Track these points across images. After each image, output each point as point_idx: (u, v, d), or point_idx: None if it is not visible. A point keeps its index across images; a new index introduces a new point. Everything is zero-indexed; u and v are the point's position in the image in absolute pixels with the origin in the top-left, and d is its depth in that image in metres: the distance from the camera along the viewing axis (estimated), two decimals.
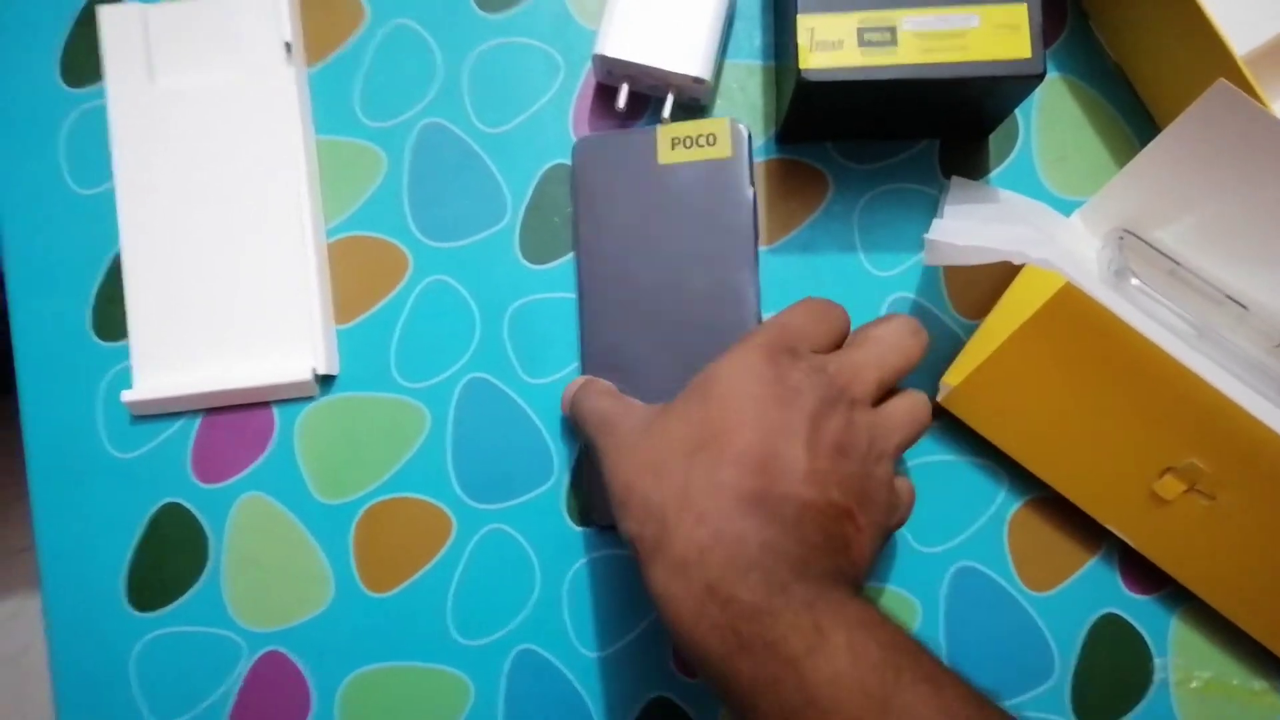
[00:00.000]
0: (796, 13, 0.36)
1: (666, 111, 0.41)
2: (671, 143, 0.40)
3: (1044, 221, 0.40)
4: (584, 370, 0.40)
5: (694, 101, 0.43)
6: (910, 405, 0.35)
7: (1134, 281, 0.37)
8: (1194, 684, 0.40)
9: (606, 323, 0.40)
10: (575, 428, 0.38)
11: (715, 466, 0.30)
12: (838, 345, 0.35)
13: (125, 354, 0.42)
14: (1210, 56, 0.37)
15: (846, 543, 0.31)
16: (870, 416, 0.33)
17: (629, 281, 0.40)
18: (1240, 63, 0.36)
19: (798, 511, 0.30)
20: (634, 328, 0.40)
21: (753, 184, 0.40)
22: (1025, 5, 0.36)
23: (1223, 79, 0.34)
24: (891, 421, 0.34)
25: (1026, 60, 0.36)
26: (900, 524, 0.35)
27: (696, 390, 0.32)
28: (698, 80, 0.40)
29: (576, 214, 0.41)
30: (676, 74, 0.40)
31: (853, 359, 0.33)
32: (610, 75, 0.42)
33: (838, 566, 0.30)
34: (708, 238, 0.40)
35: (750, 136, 0.40)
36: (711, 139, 0.40)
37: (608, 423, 0.35)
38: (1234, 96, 0.34)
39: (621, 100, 0.41)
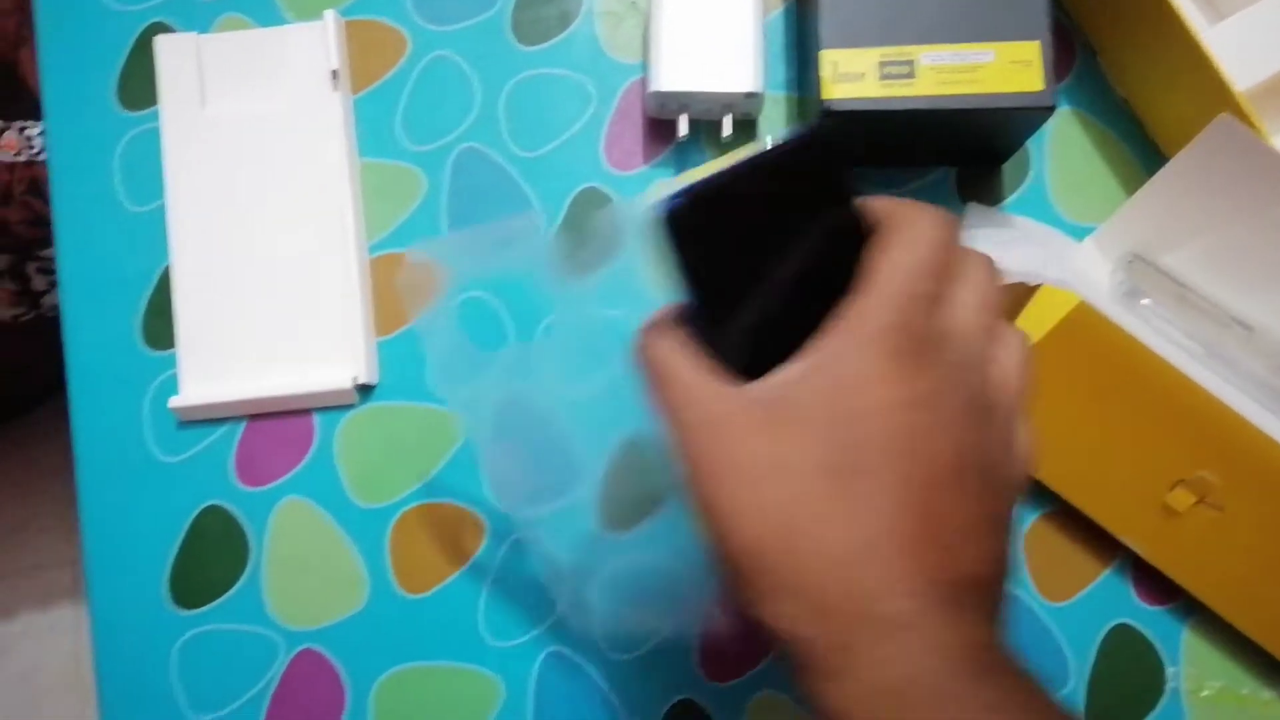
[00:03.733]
0: (820, 48, 0.38)
1: (726, 130, 0.43)
2: None
3: (1057, 246, 0.42)
4: None
5: (747, 117, 0.45)
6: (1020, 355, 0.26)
7: (1144, 301, 0.39)
8: (1205, 693, 0.42)
9: None
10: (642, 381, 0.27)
11: (896, 552, 0.22)
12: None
13: (172, 362, 0.44)
14: (1212, 92, 0.39)
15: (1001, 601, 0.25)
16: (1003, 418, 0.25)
17: None
18: (1240, 98, 0.38)
19: (988, 596, 0.24)
20: None
21: None
22: (1038, 42, 0.38)
23: (1225, 113, 0.36)
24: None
25: (1038, 93, 0.38)
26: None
27: (818, 397, 0.23)
28: (750, 95, 0.42)
29: None
30: (731, 93, 0.42)
31: (1003, 354, 0.25)
32: (664, 109, 0.44)
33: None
34: None
35: None
36: None
37: (687, 399, 0.25)
38: (1236, 130, 0.36)
39: (683, 129, 0.43)
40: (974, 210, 0.43)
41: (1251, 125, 0.38)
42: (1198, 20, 0.46)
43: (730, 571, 0.24)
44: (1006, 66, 0.38)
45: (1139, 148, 0.45)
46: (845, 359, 0.23)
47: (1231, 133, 0.36)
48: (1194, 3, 0.46)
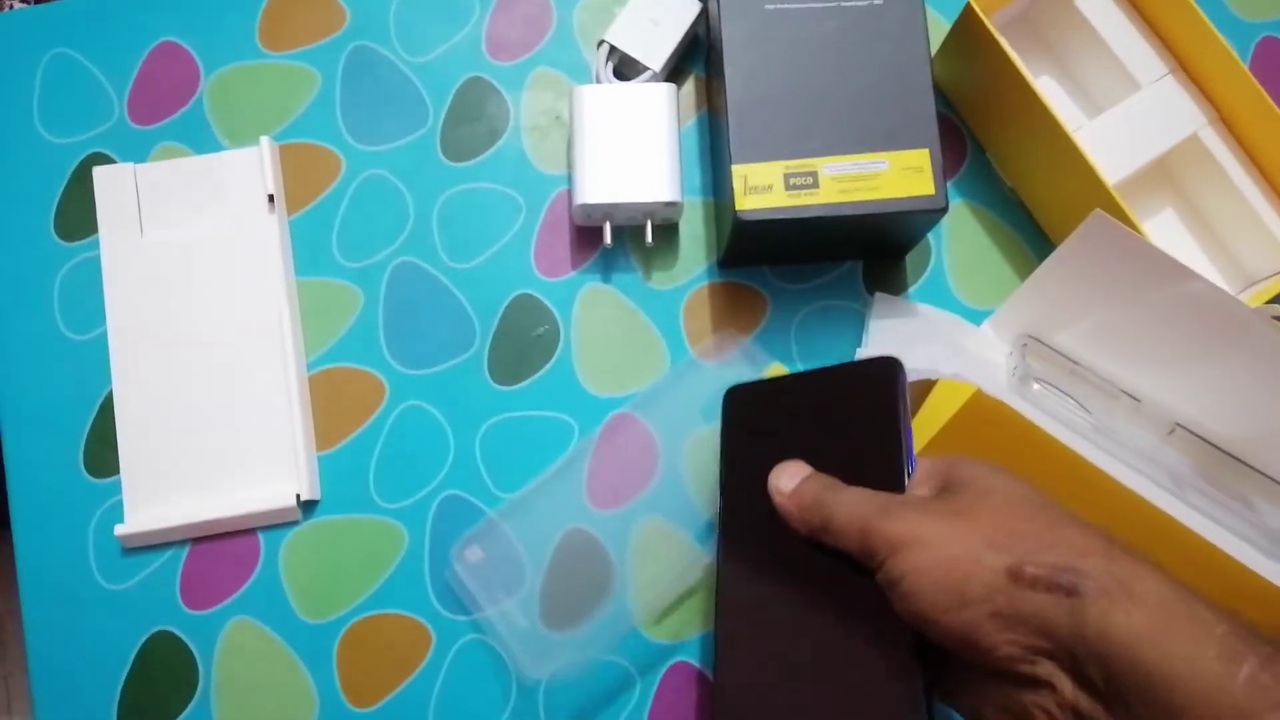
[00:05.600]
0: (731, 163, 0.41)
1: (649, 237, 0.46)
2: None
3: (957, 333, 0.45)
4: None
5: (667, 222, 0.47)
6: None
7: (1035, 386, 0.42)
8: None
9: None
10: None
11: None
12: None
13: (116, 489, 0.45)
14: (1088, 185, 0.43)
15: None
16: None
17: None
18: (1112, 191, 0.42)
19: None
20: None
21: None
22: (928, 150, 0.41)
23: (1098, 210, 0.40)
24: None
25: (930, 197, 0.41)
26: None
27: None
28: (670, 204, 0.45)
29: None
30: (652, 202, 0.45)
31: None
32: (589, 217, 0.46)
33: None
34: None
35: None
36: None
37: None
38: (1108, 224, 0.39)
39: (608, 237, 0.46)
40: (881, 300, 0.46)
41: (1123, 217, 0.41)
42: (1076, 116, 0.50)
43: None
44: (900, 173, 0.41)
45: (1029, 235, 0.48)
46: None
47: (1105, 227, 0.39)
48: (1072, 100, 0.50)
